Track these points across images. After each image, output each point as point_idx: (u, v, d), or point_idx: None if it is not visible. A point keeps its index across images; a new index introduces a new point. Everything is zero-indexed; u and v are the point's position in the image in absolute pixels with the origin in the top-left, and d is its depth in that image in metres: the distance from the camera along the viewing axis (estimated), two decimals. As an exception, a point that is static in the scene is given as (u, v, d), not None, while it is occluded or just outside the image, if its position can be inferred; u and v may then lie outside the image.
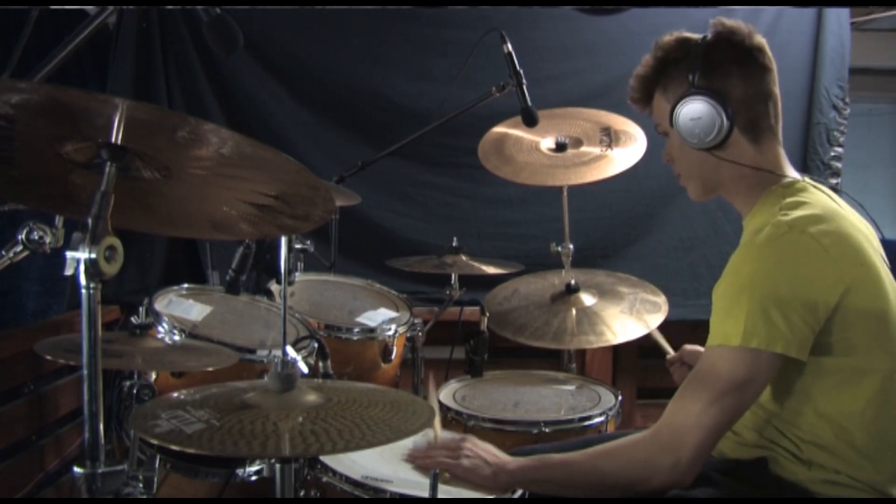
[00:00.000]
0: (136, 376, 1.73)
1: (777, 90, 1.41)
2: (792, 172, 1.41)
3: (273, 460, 1.21)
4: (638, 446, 1.33)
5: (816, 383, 1.28)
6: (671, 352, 1.91)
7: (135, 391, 1.71)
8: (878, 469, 1.27)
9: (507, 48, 2.22)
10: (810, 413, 1.29)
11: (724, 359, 1.25)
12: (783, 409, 1.32)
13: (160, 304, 1.94)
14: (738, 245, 1.35)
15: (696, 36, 1.42)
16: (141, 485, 1.42)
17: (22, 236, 1.39)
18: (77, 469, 0.97)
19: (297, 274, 2.28)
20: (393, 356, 2.19)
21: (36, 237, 1.39)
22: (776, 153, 1.41)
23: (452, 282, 2.41)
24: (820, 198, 1.35)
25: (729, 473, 1.36)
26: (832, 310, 1.23)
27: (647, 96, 1.48)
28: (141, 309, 1.77)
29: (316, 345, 1.88)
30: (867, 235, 1.36)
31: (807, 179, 1.39)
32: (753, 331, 1.21)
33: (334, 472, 1.40)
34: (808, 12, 3.17)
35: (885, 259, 1.37)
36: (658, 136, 1.52)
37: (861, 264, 1.27)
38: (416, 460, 1.45)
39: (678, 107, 1.36)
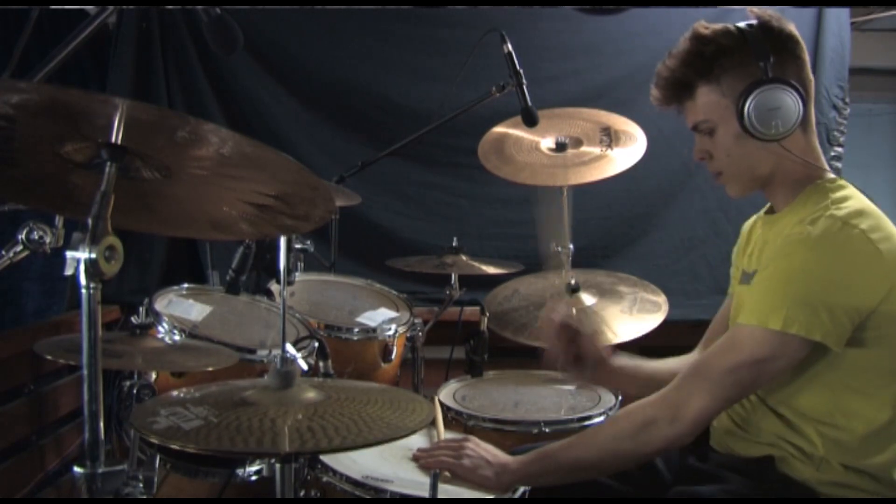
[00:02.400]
0: (136, 376, 1.74)
1: None
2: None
3: (272, 459, 1.21)
4: (642, 408, 1.34)
5: (841, 375, 1.29)
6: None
7: (135, 391, 1.72)
8: (885, 457, 1.29)
9: (507, 48, 2.22)
10: (830, 404, 1.30)
11: (752, 336, 1.27)
12: (803, 399, 1.32)
13: (160, 304, 1.93)
14: (785, 236, 1.32)
15: (734, 26, 1.38)
16: (141, 485, 1.42)
17: (22, 236, 1.39)
18: (77, 469, 0.97)
19: (297, 274, 2.27)
20: (393, 356, 2.19)
21: (36, 237, 1.39)
22: (816, 145, 1.42)
23: (452, 282, 2.40)
24: (860, 195, 1.36)
25: (736, 470, 1.36)
26: (875, 306, 1.24)
27: (683, 93, 1.43)
28: (141, 309, 1.77)
29: (316, 345, 1.88)
30: None
31: (840, 179, 1.39)
32: (794, 318, 1.23)
33: (335, 472, 1.40)
34: (808, 12, 3.16)
35: None
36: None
37: None
38: (419, 460, 1.46)
39: (752, 97, 1.32)
